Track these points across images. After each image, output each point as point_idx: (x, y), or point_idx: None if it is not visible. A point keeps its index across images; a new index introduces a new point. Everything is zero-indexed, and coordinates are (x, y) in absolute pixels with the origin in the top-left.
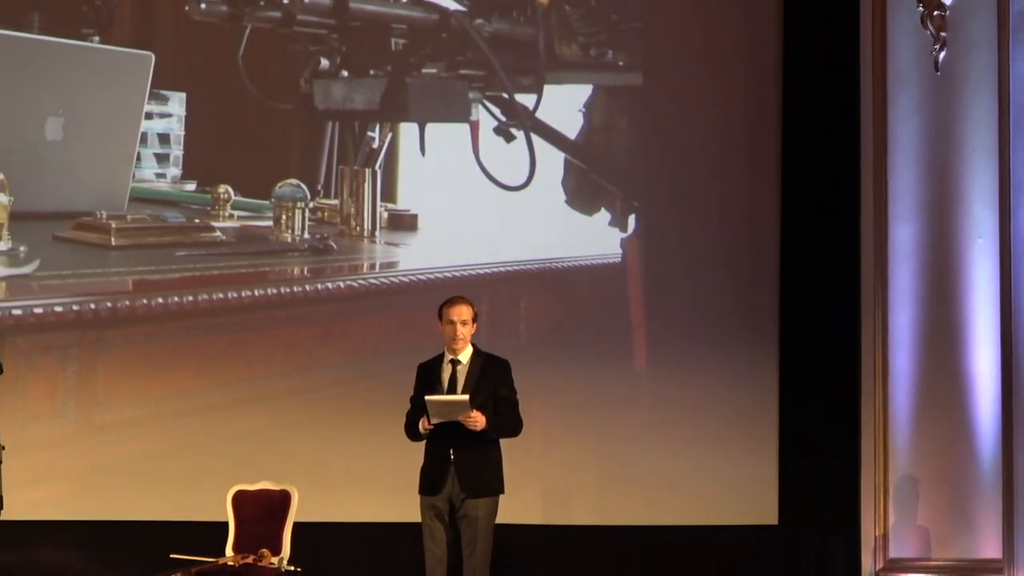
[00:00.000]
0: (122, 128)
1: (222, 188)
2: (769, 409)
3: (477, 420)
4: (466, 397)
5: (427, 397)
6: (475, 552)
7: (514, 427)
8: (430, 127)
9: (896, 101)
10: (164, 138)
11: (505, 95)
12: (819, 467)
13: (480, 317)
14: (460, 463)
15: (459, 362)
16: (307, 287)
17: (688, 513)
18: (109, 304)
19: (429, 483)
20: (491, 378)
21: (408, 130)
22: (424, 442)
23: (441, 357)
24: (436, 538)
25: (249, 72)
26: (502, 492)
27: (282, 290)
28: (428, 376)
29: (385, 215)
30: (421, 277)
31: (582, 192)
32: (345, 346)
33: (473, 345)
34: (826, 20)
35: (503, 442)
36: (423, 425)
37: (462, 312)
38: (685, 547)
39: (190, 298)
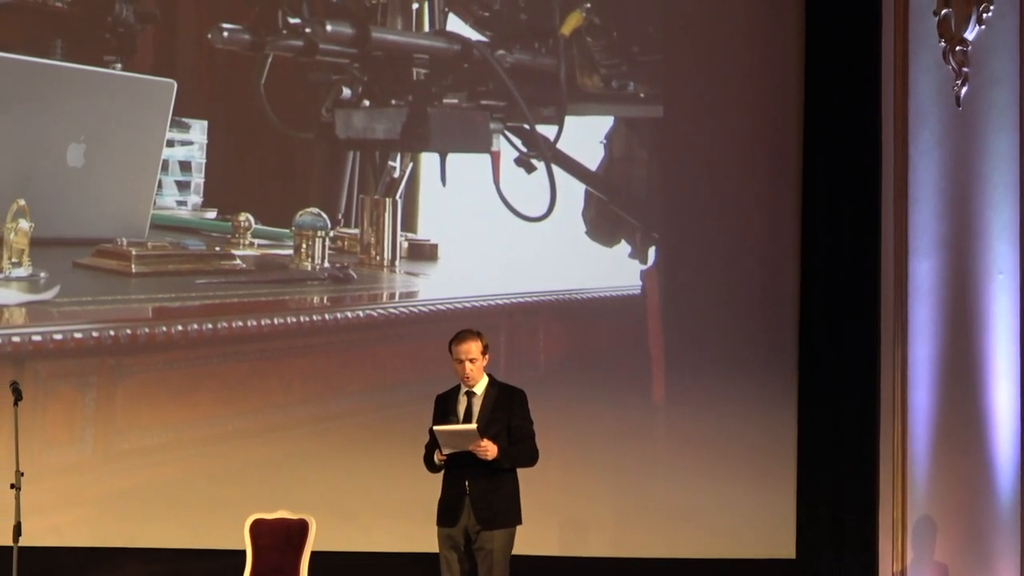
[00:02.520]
0: (143, 155)
1: (242, 216)
2: (787, 442)
3: (488, 449)
4: (474, 426)
5: (435, 427)
6: None
7: (530, 457)
8: (451, 157)
9: (917, 136)
10: (185, 166)
11: (526, 126)
12: (837, 501)
13: (499, 348)
14: (475, 494)
15: (474, 393)
16: (326, 316)
17: (706, 546)
18: (129, 331)
19: (445, 514)
20: (505, 408)
21: (429, 160)
22: (442, 473)
23: (458, 388)
24: (452, 569)
25: (270, 101)
26: (518, 523)
27: (301, 319)
28: (444, 407)
29: (405, 245)
30: (440, 307)
31: (602, 223)
32: (364, 375)
33: (489, 375)
34: (847, 54)
35: (520, 473)
36: (437, 456)
37: (470, 351)
38: None
39: (209, 326)
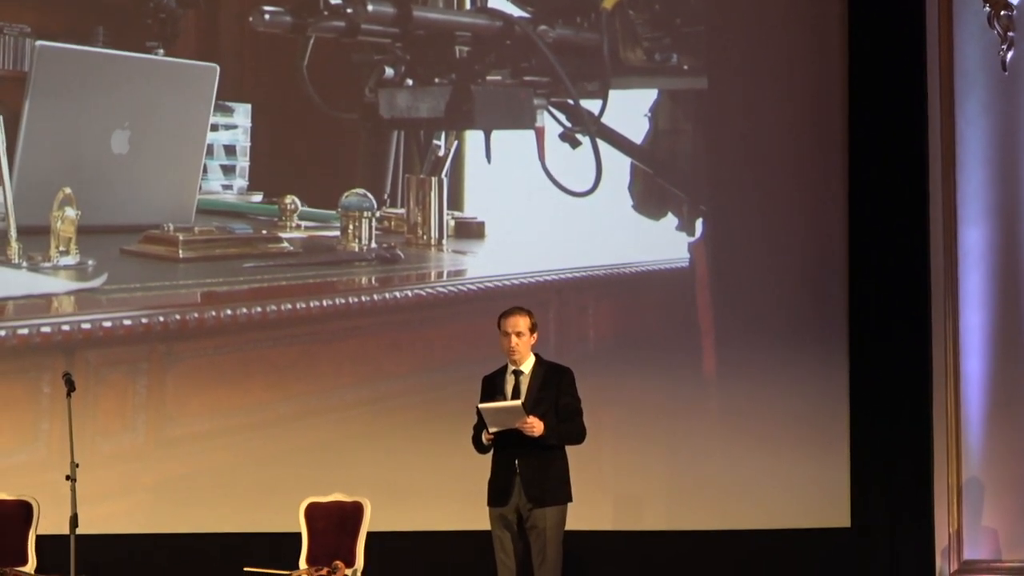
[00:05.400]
0: (188, 140)
1: (288, 199)
2: (840, 412)
3: (534, 426)
4: (519, 403)
5: (480, 405)
6: (545, 562)
7: (577, 434)
8: (495, 134)
9: (964, 102)
10: (230, 150)
11: (570, 101)
12: (891, 469)
13: (548, 324)
14: (525, 473)
15: (521, 372)
16: (375, 297)
17: (760, 517)
18: (178, 317)
19: (496, 494)
20: (553, 386)
21: (474, 138)
22: (492, 453)
23: (505, 368)
24: (506, 548)
25: (314, 82)
26: (569, 500)
27: (350, 300)
28: (492, 388)
29: (452, 223)
30: (489, 285)
31: (649, 197)
32: (413, 356)
33: (536, 355)
34: (892, 21)
35: (572, 450)
36: (485, 436)
37: (517, 324)
38: (757, 551)
39: (258, 310)
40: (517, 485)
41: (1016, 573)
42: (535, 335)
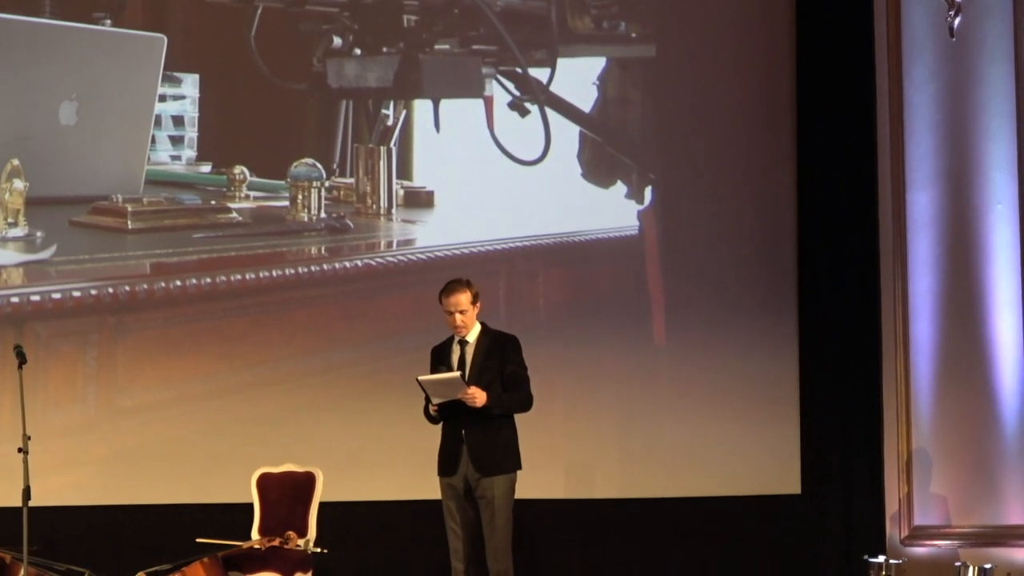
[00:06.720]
0: (136, 111)
1: (237, 169)
2: (790, 379)
3: (475, 396)
4: (457, 374)
5: (419, 378)
6: (494, 531)
7: (522, 403)
8: (444, 103)
9: (911, 69)
10: (178, 120)
11: (518, 70)
12: (841, 436)
13: (498, 293)
14: (472, 442)
15: (467, 342)
16: (324, 267)
17: (711, 484)
18: (127, 288)
19: (444, 464)
20: (498, 355)
21: (422, 107)
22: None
23: (452, 338)
24: (456, 518)
25: (262, 52)
26: (518, 469)
27: (300, 270)
28: (439, 358)
29: (401, 192)
30: (438, 254)
31: (598, 165)
32: (364, 325)
33: (482, 323)
34: None
35: (523, 418)
36: (431, 407)
37: (459, 302)
38: (709, 518)
39: (208, 280)
40: (464, 455)
41: (966, 538)
42: (478, 305)
